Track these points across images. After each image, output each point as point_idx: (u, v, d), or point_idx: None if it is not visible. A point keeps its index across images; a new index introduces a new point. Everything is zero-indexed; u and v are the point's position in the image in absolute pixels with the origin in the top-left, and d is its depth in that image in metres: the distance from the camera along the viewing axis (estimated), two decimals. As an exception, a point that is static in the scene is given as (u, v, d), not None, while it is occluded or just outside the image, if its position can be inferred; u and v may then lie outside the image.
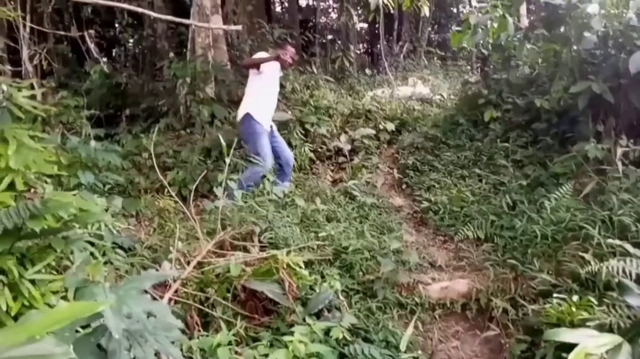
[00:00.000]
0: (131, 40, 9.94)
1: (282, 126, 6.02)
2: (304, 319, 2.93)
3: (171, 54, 8.47)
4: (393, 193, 5.79)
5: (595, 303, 2.31)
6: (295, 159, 5.80)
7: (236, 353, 2.62)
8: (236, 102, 7.64)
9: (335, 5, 16.99)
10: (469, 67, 9.67)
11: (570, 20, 4.37)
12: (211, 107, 6.79)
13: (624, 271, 2.60)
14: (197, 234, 3.44)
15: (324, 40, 14.60)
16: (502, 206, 4.41)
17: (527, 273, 3.50)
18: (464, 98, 7.22)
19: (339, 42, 16.37)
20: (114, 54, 9.90)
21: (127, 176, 5.13)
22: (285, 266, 3.17)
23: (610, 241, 2.88)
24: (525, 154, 5.35)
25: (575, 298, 2.39)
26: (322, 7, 17.74)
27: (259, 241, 3.74)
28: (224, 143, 3.45)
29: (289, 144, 5.87)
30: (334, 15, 18.17)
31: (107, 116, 7.96)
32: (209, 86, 7.34)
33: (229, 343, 2.66)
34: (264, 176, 4.69)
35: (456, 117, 6.77)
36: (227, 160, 3.55)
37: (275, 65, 5.28)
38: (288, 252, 3.32)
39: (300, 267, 3.26)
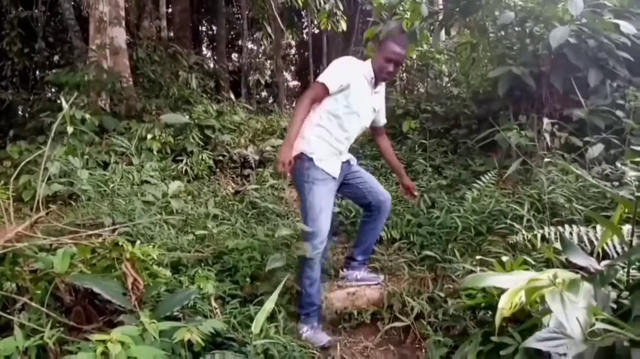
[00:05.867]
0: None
1: (176, 131, 5.23)
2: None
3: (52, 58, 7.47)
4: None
5: (532, 262, 1.67)
6: (191, 167, 5.00)
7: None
8: (134, 117, 6.81)
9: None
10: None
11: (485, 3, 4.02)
12: (100, 117, 5.91)
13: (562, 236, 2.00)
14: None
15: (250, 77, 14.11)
16: (420, 205, 3.83)
17: (448, 269, 2.87)
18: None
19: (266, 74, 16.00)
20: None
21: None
22: (130, 258, 2.34)
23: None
24: (445, 160, 4.90)
25: (505, 258, 1.74)
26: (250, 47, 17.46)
27: (115, 235, 2.87)
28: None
29: (184, 150, 5.08)
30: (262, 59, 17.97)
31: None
32: (101, 98, 6.49)
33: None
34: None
35: (374, 130, 6.27)
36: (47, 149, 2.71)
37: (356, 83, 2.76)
38: (140, 244, 2.51)
39: (154, 259, 2.46)
